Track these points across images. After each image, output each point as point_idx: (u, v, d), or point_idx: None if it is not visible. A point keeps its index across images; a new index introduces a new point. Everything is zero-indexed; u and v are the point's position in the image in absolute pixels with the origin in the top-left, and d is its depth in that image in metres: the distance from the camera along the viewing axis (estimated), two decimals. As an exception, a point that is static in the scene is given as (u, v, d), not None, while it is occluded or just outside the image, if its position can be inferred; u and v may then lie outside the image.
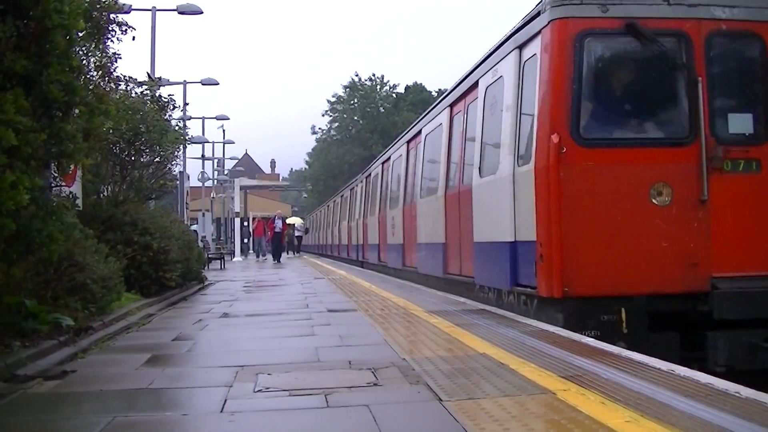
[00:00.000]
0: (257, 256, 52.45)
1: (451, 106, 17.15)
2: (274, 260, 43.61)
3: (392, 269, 25.85)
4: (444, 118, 17.76)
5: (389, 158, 27.74)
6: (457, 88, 16.56)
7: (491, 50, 13.77)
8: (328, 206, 57.90)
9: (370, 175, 32.98)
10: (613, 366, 6.88)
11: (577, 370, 6.74)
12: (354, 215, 37.75)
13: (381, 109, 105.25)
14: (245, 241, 62.14)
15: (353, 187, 39.17)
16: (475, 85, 14.64)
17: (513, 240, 11.64)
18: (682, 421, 4.92)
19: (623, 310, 9.89)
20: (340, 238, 45.20)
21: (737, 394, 5.58)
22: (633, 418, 5.00)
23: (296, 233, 61.63)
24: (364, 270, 30.67)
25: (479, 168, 13.84)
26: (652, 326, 9.95)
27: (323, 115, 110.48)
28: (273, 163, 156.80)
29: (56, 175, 9.54)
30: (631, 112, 10.90)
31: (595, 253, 10.17)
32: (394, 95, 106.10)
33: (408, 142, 23.76)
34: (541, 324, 10.21)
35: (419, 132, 21.46)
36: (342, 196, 45.62)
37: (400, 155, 24.74)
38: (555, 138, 10.15)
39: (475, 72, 14.84)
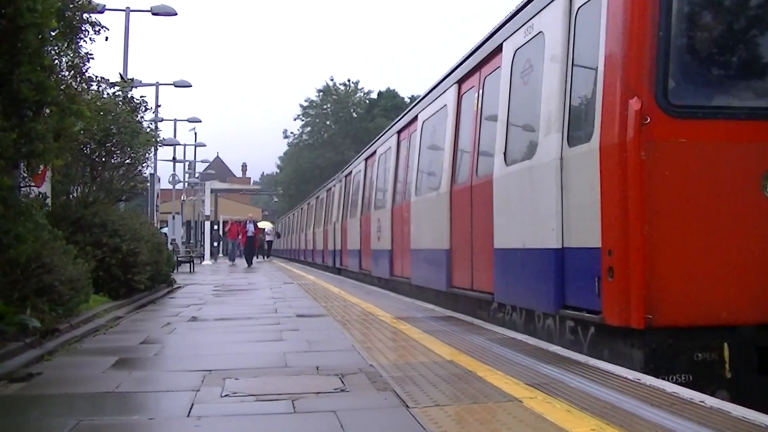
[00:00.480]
0: (230, 260, 51.64)
1: (460, 82, 14.29)
2: (247, 265, 42.99)
3: (377, 279, 23.09)
4: (450, 97, 14.82)
5: (374, 153, 24.67)
6: (468, 60, 13.80)
7: (524, 2, 10.94)
8: (301, 209, 57.35)
9: (350, 173, 30.47)
10: (580, 374, 6.92)
11: (544, 378, 6.77)
12: (331, 218, 35.41)
13: (354, 114, 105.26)
14: (215, 244, 61.97)
15: (330, 188, 37.37)
16: (498, 50, 11.89)
17: (559, 246, 9.13)
18: (646, 429, 4.96)
19: (726, 345, 7.57)
20: (314, 243, 43.89)
21: (702, 404, 5.62)
22: (598, 427, 5.02)
23: (267, 238, 61.68)
24: (337, 277, 30.44)
25: (504, 154, 11.13)
26: (763, 367, 7.63)
27: (295, 119, 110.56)
28: (244, 167, 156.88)
29: (26, 175, 9.50)
30: (738, 71, 8.37)
31: (689, 266, 7.70)
32: (367, 101, 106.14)
33: (399, 132, 20.60)
34: (509, 331, 10.22)
35: (415, 118, 18.36)
36: (317, 197, 44.27)
37: (389, 148, 21.67)
38: (635, 103, 7.64)
39: (497, 35, 12.05)
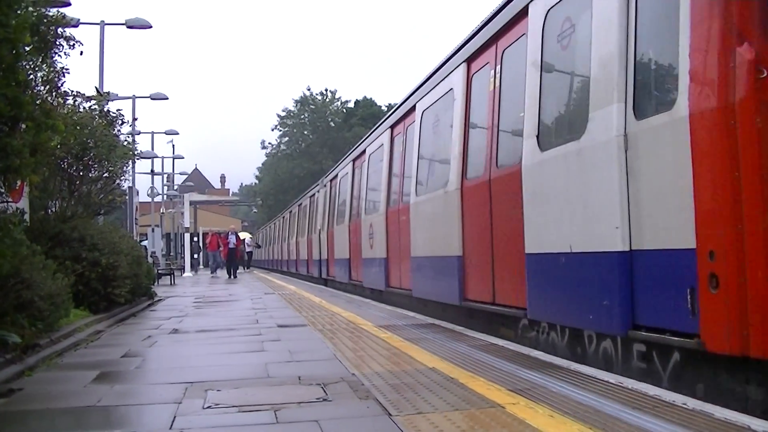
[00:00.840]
0: (211, 272, 49.78)
1: (470, 61, 12.37)
2: (228, 276, 41.92)
3: (369, 290, 21.34)
4: (457, 79, 12.84)
5: (363, 152, 22.62)
6: (480, 34, 11.87)
7: None
8: (282, 218, 57.05)
9: (335, 177, 28.77)
10: (562, 379, 6.93)
11: (526, 384, 6.78)
12: (315, 226, 33.87)
13: (331, 123, 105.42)
14: (195, 256, 61.82)
15: (313, 194, 36.03)
16: (521, 15, 10.13)
17: (626, 249, 7.27)
18: (628, 433, 4.99)
19: None
20: (297, 253, 42.92)
21: (684, 406, 5.63)
22: (581, 431, 5.04)
23: (246, 248, 61.67)
24: (317, 287, 30.26)
25: (537, 138, 9.28)
26: None
27: (273, 130, 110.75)
28: (223, 178, 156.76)
29: (2, 190, 9.45)
30: None
31: None
32: (344, 110, 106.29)
33: (392, 126, 18.55)
34: (490, 338, 10.17)
35: (412, 109, 16.37)
36: (300, 204, 43.30)
37: (380, 145, 19.67)
38: (746, 51, 5.78)
39: None
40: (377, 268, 19.41)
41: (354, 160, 24.67)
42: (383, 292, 19.27)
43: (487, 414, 5.65)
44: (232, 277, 41.26)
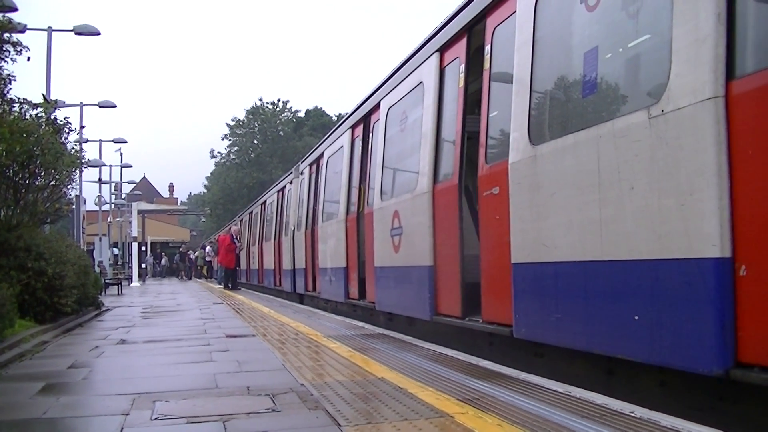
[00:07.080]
0: (225, 286, 37.58)
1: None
2: (234, 289, 35.54)
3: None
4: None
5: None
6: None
7: None
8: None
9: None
10: (510, 388, 6.96)
11: (475, 393, 6.80)
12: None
13: (281, 133, 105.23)
14: (143, 265, 61.45)
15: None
16: None
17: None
18: (576, 442, 5.02)
19: None
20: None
21: (632, 414, 5.67)
22: (529, 440, 5.06)
23: (206, 258, 61.72)
24: (266, 297, 30.08)
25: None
26: None
27: (223, 139, 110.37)
28: (171, 187, 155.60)
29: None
30: None
31: None
32: (294, 120, 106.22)
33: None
34: (439, 347, 10.19)
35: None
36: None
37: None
38: None
39: None
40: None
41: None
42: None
43: (437, 424, 5.66)
44: (237, 288, 36.04)
